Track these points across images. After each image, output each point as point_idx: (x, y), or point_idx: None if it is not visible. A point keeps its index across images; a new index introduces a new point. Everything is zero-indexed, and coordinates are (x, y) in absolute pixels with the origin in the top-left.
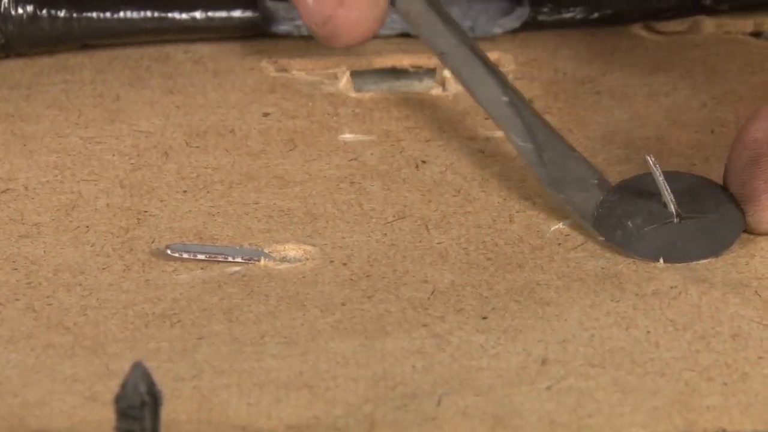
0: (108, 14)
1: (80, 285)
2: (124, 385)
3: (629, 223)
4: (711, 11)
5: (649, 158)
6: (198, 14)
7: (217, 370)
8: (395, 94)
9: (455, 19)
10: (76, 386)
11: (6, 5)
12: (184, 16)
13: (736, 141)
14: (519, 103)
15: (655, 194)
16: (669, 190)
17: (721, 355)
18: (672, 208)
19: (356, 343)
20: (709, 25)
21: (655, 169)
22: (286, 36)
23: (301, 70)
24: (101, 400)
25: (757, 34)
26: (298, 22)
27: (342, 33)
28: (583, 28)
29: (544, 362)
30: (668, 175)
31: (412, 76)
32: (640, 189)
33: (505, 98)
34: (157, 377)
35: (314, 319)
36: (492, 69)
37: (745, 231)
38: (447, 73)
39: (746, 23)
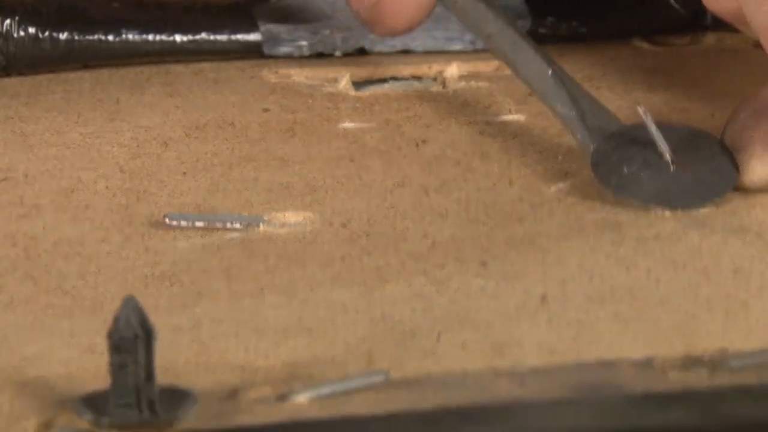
0: (110, 37)
1: (79, 255)
2: (116, 320)
3: (624, 168)
4: (711, 29)
5: (640, 109)
6: (200, 37)
7: (215, 321)
8: (395, 91)
9: (500, 7)
10: (75, 340)
11: (8, 26)
12: (186, 38)
13: (749, 96)
14: (564, 76)
15: (650, 143)
16: (663, 140)
17: (722, 287)
18: (667, 156)
19: (355, 291)
20: (709, 39)
21: (647, 119)
22: (288, 57)
23: (301, 76)
24: (99, 351)
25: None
26: (300, 43)
27: (387, 16)
28: (583, 42)
29: (543, 300)
30: (662, 126)
31: (411, 80)
32: (634, 138)
33: (550, 72)
34: (156, 330)
35: (313, 273)
36: (536, 47)
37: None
38: (447, 73)
39: (747, 39)
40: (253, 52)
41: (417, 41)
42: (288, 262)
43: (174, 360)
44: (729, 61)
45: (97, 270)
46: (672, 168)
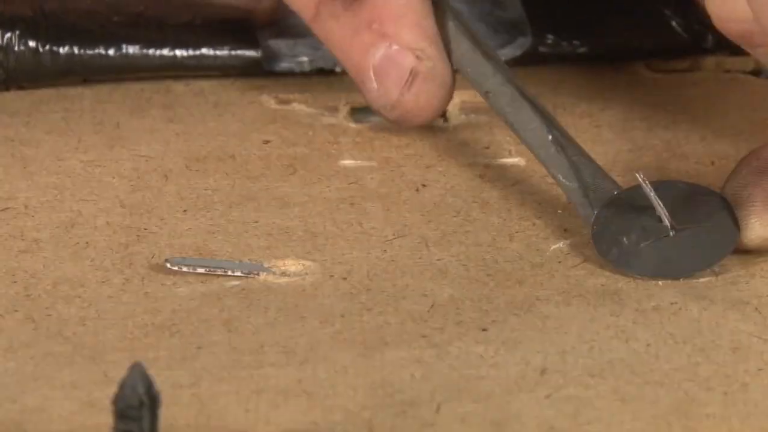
0: (111, 51)
1: (79, 297)
2: (122, 386)
3: (624, 239)
4: (711, 52)
5: (638, 175)
6: (200, 52)
7: (215, 377)
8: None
9: (501, 60)
10: (75, 393)
11: (8, 40)
12: (187, 54)
13: (750, 153)
14: (565, 142)
15: (649, 207)
16: (662, 205)
17: (721, 366)
18: (666, 222)
19: (355, 353)
20: (709, 63)
21: (645, 185)
22: (288, 73)
23: (301, 103)
24: (99, 406)
25: (757, 73)
26: (300, 59)
27: (412, 116)
28: (583, 63)
29: (543, 372)
30: (660, 185)
31: None
32: (634, 202)
33: (550, 137)
34: (156, 384)
35: (313, 330)
36: (538, 108)
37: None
38: (449, 105)
39: (746, 62)
40: (253, 67)
41: None
42: (288, 316)
43: (174, 420)
44: (729, 92)
45: (98, 315)
46: (671, 233)
